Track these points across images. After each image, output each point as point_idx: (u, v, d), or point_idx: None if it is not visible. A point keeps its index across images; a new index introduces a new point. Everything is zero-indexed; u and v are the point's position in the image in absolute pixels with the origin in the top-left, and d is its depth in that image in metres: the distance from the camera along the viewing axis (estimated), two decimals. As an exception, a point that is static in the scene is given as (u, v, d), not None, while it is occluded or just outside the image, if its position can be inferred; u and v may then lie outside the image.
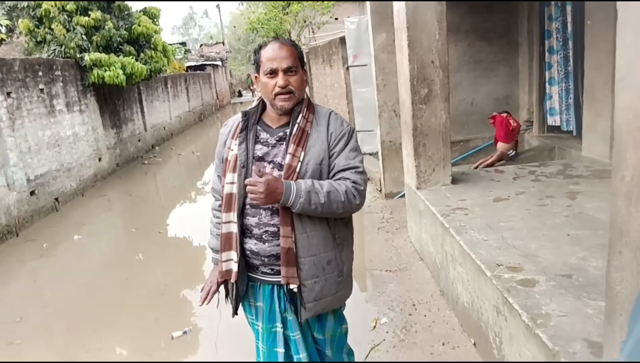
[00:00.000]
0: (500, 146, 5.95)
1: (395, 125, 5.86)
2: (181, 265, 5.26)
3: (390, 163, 6.02)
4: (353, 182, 1.82)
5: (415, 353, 2.96)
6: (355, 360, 2.28)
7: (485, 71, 6.60)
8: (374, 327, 3.31)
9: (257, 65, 1.85)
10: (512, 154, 5.90)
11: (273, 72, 1.78)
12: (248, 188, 1.70)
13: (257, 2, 20.49)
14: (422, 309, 3.44)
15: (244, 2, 25.89)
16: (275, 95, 1.79)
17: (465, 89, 6.63)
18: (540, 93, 6.22)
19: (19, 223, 6.68)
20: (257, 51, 1.86)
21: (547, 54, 5.97)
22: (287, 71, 1.78)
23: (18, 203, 6.75)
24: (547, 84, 6.06)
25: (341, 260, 1.91)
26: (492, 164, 5.80)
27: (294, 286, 1.81)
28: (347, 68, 8.14)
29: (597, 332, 1.88)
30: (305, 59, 1.97)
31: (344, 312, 2.11)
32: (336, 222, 1.90)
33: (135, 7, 11.47)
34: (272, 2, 17.42)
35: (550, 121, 6.12)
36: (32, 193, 7.17)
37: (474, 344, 2.89)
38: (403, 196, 5.30)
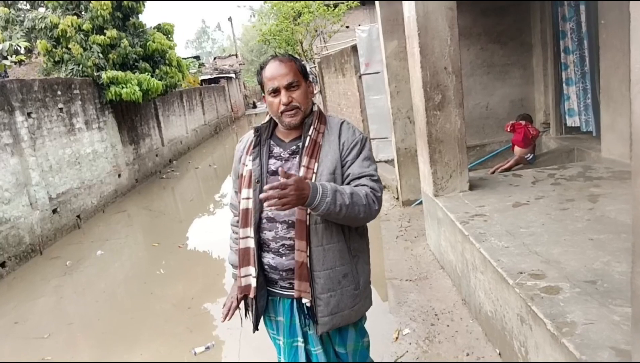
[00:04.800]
0: (518, 150, 5.88)
1: (410, 132, 5.85)
2: (202, 279, 5.30)
3: (406, 170, 6.00)
4: (371, 188, 1.81)
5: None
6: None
7: (499, 74, 6.55)
8: (396, 338, 3.28)
9: (261, 85, 1.88)
10: (530, 157, 5.82)
11: (276, 91, 1.80)
12: (275, 191, 1.55)
13: (269, 13, 20.65)
14: (445, 319, 3.40)
15: (256, 14, 26.13)
16: (282, 113, 1.81)
17: (480, 93, 6.59)
18: (557, 94, 6.15)
19: (42, 241, 6.81)
20: (259, 72, 1.88)
21: (562, 55, 5.90)
22: (289, 87, 1.80)
23: (41, 222, 6.88)
24: (564, 85, 5.99)
25: (357, 273, 1.90)
26: (509, 169, 5.73)
27: (306, 301, 1.81)
28: (360, 76, 8.15)
29: (624, 339, 1.84)
30: (307, 71, 1.97)
31: (365, 325, 2.10)
32: (351, 234, 1.89)
33: (150, 23, 11.67)
34: (283, 13, 17.54)
35: (570, 122, 6.03)
36: (54, 211, 7.30)
37: (499, 354, 2.85)
38: (421, 203, 5.27)
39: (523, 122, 5.81)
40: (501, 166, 5.97)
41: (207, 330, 4.05)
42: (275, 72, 1.80)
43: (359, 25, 10.57)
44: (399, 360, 3.03)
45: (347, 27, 17.36)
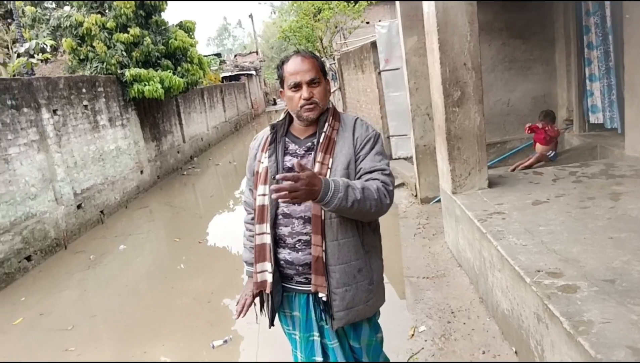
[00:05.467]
0: (539, 147, 5.80)
1: (429, 129, 5.81)
2: (222, 274, 5.37)
3: (425, 167, 5.97)
4: (382, 182, 1.81)
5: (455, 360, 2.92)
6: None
7: (521, 70, 6.45)
8: (412, 335, 3.28)
9: (281, 80, 1.90)
10: (552, 155, 5.73)
11: (297, 86, 1.83)
12: (287, 184, 1.56)
13: (289, 10, 20.69)
14: (461, 317, 3.39)
15: (276, 11, 26.20)
16: (301, 107, 1.84)
17: (501, 89, 6.51)
18: (580, 90, 6.03)
19: (67, 235, 6.99)
20: (280, 66, 1.91)
21: (586, 50, 5.79)
22: (310, 83, 1.83)
23: (66, 217, 7.06)
24: (587, 81, 5.87)
25: (371, 268, 1.92)
26: (530, 166, 5.65)
27: (322, 295, 1.83)
28: (379, 73, 8.13)
29: (643, 340, 1.82)
30: (327, 70, 2.00)
31: (379, 321, 2.11)
32: (364, 229, 1.91)
33: (172, 21, 11.82)
34: (303, 10, 17.55)
35: (593, 118, 5.92)
36: (79, 206, 7.48)
37: (516, 352, 2.83)
38: (439, 201, 5.24)
39: (540, 125, 5.71)
40: (522, 163, 5.89)
41: (227, 324, 4.11)
42: (299, 67, 1.83)
43: (379, 21, 10.54)
44: (414, 358, 3.03)
45: (367, 23, 17.30)
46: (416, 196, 6.30)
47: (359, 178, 1.84)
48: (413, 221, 5.62)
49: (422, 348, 3.11)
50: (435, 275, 4.13)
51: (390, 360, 2.24)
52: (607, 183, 3.88)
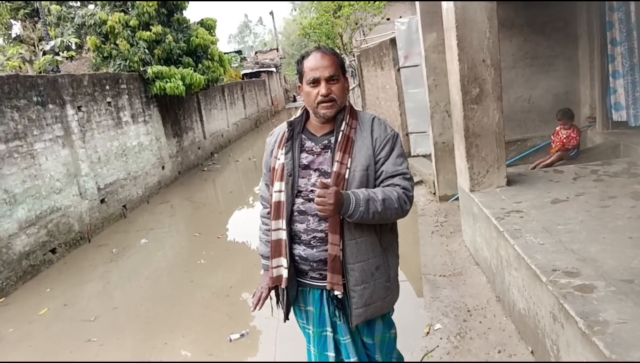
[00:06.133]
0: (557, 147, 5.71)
1: (448, 126, 5.78)
2: (240, 269, 5.44)
3: (443, 164, 5.93)
4: (403, 188, 1.84)
5: (470, 360, 2.91)
6: (407, 364, 2.29)
7: (543, 66, 6.35)
8: (427, 332, 3.29)
9: (300, 75, 1.92)
10: (574, 153, 5.64)
11: (315, 82, 1.84)
12: (317, 199, 1.70)
13: (310, 7, 20.70)
14: (477, 315, 3.38)
15: (297, 8, 26.23)
16: (318, 103, 1.85)
17: (522, 86, 6.42)
18: (603, 87, 5.91)
19: (90, 229, 7.16)
20: (300, 61, 1.92)
21: (609, 46, 5.67)
22: (329, 80, 1.84)
23: (90, 211, 7.23)
24: (610, 78, 5.75)
25: (388, 265, 1.94)
26: (551, 164, 5.57)
27: (338, 293, 1.85)
28: (398, 69, 8.09)
29: (659, 341, 1.80)
30: (346, 67, 2.02)
31: (392, 317, 2.13)
32: (382, 228, 1.93)
33: (193, 19, 11.95)
34: (324, 7, 17.54)
35: (616, 116, 5.80)
36: (102, 200, 7.65)
37: (532, 352, 2.82)
38: (457, 199, 5.21)
39: (558, 128, 5.66)
40: (543, 161, 5.81)
41: (245, 318, 4.17)
42: (319, 63, 1.84)
43: (400, 17, 10.46)
44: (429, 355, 3.04)
45: (387, 19, 17.18)
46: (434, 193, 6.27)
47: (380, 182, 1.86)
48: (431, 219, 5.60)
49: (437, 346, 3.11)
50: (452, 273, 4.12)
51: (404, 357, 2.26)
52: (629, 181, 3.81)
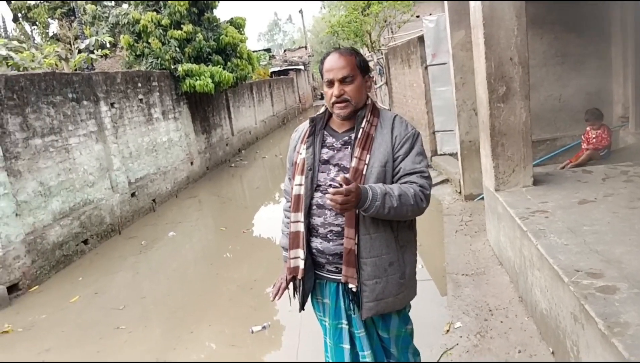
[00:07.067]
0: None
1: (474, 124, 5.71)
2: (265, 263, 5.52)
3: (469, 163, 5.87)
4: (420, 186, 1.86)
5: (490, 360, 2.90)
6: (424, 361, 2.30)
7: (575, 65, 6.21)
8: (447, 330, 3.28)
9: (321, 75, 1.97)
10: (604, 152, 5.51)
11: (330, 83, 1.90)
12: (337, 197, 1.67)
13: (339, 5, 20.71)
14: (499, 315, 3.35)
15: (326, 6, 26.26)
16: (333, 104, 1.91)
17: (552, 84, 6.29)
18: (637, 86, 5.74)
19: (121, 222, 7.38)
20: (321, 62, 1.98)
21: (645, 44, 5.51)
22: (342, 81, 1.88)
23: (121, 204, 7.45)
24: (645, 77, 5.59)
25: (403, 262, 1.96)
26: (581, 164, 5.45)
27: (352, 286, 1.88)
28: (426, 67, 8.02)
29: (682, 344, 1.77)
30: (373, 65, 2.04)
31: (410, 314, 2.14)
32: (399, 225, 1.95)
33: (223, 17, 12.11)
34: (352, 4, 17.52)
35: (650, 116, 5.64)
36: (132, 194, 7.87)
37: (552, 353, 2.79)
38: (483, 198, 5.16)
39: (588, 128, 5.53)
40: (572, 161, 5.69)
41: (269, 311, 4.24)
42: (334, 65, 1.89)
43: (430, 14, 10.38)
44: (448, 353, 3.04)
45: (417, 16, 17.03)
46: (460, 192, 6.22)
47: (397, 179, 1.88)
48: (456, 217, 5.56)
49: (457, 344, 3.10)
50: (475, 272, 4.09)
51: (422, 353, 2.27)
52: (660, 183, 3.71)
